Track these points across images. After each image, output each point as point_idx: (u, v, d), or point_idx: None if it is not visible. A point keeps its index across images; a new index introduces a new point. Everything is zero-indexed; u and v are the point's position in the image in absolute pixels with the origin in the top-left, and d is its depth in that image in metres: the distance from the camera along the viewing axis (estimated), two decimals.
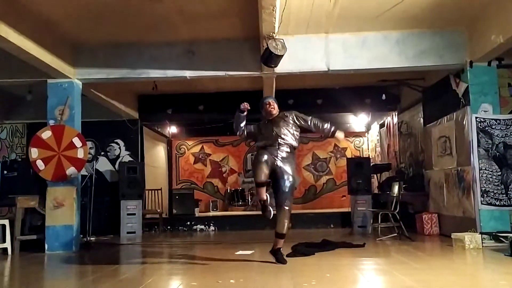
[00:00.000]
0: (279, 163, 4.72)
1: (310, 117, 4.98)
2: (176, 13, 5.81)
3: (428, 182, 7.78)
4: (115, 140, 9.69)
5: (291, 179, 4.73)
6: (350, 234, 7.99)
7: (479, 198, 6.10)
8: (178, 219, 9.67)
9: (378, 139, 11.42)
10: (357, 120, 11.99)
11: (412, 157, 8.93)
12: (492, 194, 6.12)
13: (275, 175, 4.75)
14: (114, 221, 8.87)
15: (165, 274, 4.59)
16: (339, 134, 5.01)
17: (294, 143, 4.87)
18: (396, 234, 6.86)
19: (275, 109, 4.95)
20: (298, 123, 4.95)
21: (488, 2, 5.61)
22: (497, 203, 6.10)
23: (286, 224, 4.76)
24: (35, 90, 7.83)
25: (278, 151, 4.75)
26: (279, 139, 4.78)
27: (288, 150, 4.80)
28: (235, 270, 4.47)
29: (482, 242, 5.74)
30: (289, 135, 4.85)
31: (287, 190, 4.72)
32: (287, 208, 4.72)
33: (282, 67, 6.24)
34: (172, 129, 12.17)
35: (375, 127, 11.63)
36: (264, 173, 4.67)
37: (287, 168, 4.74)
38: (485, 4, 5.67)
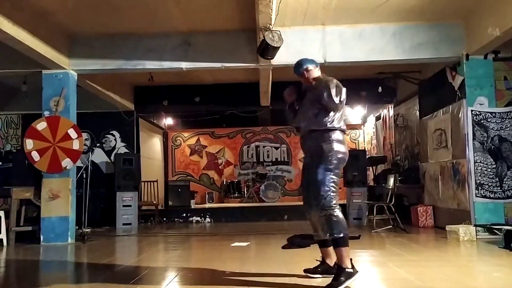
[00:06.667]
0: (306, 159, 3.62)
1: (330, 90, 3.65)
2: (173, 4, 5.77)
3: (423, 175, 7.81)
4: (111, 132, 9.68)
5: (316, 168, 3.40)
6: None
7: (473, 190, 6.14)
8: (174, 210, 9.70)
9: (374, 132, 11.44)
10: (353, 113, 12.01)
11: (408, 149, 8.95)
12: (487, 186, 6.15)
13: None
14: (110, 213, 8.89)
15: (161, 265, 4.59)
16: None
17: (313, 126, 3.52)
18: (391, 226, 6.89)
19: (310, 75, 3.81)
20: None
21: None
22: (492, 195, 6.14)
23: (332, 225, 3.30)
24: (30, 81, 7.78)
25: (305, 143, 3.61)
26: (300, 126, 3.67)
27: (310, 135, 3.54)
28: (230, 262, 4.48)
29: (476, 234, 5.78)
30: (306, 117, 3.59)
31: (312, 185, 3.43)
32: (317, 207, 3.35)
33: (279, 59, 6.22)
34: (168, 121, 12.16)
35: (371, 119, 11.65)
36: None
37: (312, 156, 3.51)
38: None
